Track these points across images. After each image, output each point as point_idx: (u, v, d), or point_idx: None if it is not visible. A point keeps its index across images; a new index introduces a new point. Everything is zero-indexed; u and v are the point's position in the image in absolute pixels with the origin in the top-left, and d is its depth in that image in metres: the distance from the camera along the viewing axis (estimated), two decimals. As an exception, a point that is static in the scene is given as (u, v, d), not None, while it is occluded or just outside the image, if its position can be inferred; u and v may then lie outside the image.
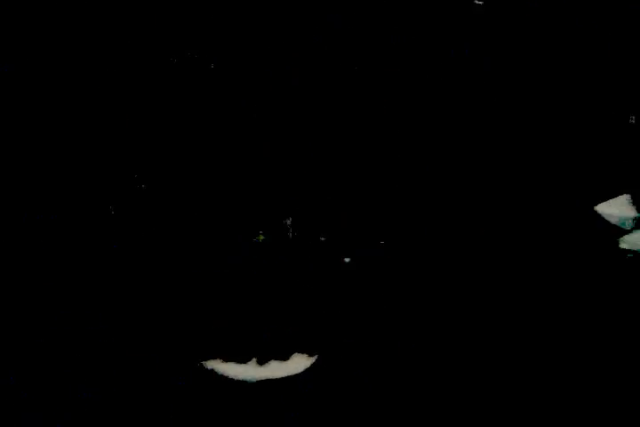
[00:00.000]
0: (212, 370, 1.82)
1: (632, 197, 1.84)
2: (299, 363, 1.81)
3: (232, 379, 1.81)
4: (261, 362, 1.84)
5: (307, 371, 1.82)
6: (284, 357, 1.84)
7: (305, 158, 2.15)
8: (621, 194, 1.87)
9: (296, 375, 1.81)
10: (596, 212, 1.87)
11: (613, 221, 1.81)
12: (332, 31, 2.22)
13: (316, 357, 1.84)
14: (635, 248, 1.77)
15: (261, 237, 1.98)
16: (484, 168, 2.10)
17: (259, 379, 1.79)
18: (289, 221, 2.06)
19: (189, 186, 2.05)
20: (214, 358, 1.84)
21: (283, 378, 1.80)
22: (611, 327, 1.79)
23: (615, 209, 1.82)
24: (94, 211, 1.98)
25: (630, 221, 1.81)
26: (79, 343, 1.85)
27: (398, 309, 1.94)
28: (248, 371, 1.80)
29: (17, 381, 1.80)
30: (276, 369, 1.80)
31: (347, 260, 2.01)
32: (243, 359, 1.84)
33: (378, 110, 2.23)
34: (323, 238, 2.04)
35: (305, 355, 1.85)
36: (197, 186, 2.06)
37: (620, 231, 1.83)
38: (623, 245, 1.77)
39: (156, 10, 2.12)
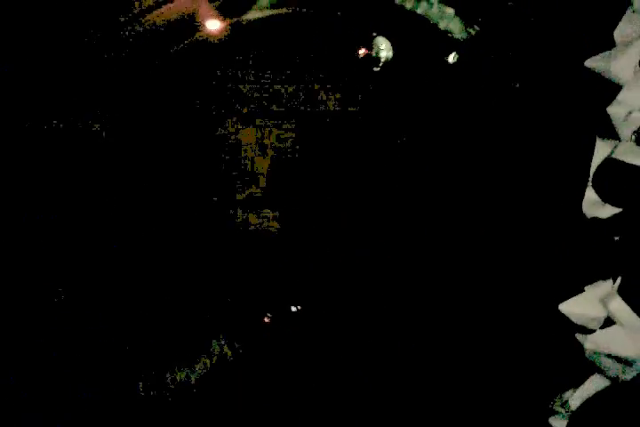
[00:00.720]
0: None
1: (597, 294, 1.66)
2: None
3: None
4: None
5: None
6: None
7: (302, 160, 2.17)
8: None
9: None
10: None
11: (578, 320, 1.66)
12: (331, 34, 2.24)
13: None
14: (598, 350, 1.62)
15: None
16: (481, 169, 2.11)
17: None
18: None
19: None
20: None
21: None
22: None
23: (580, 308, 1.66)
24: (94, 211, 1.98)
25: (595, 321, 1.64)
26: (79, 343, 1.86)
27: (398, 311, 1.97)
28: None
29: (17, 381, 1.80)
30: None
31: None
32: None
33: (376, 112, 2.25)
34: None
35: None
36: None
37: (585, 331, 1.66)
38: (587, 346, 1.63)
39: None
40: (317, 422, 1.86)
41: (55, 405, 1.79)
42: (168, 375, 1.80)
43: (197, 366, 1.82)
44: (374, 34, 2.35)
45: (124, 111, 2.06)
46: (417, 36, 2.35)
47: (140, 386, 1.82)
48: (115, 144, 2.05)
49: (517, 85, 2.09)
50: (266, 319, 1.95)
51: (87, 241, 1.96)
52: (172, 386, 1.79)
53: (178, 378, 1.81)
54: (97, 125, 2.03)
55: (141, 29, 2.07)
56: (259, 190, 2.17)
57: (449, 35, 2.35)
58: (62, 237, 1.93)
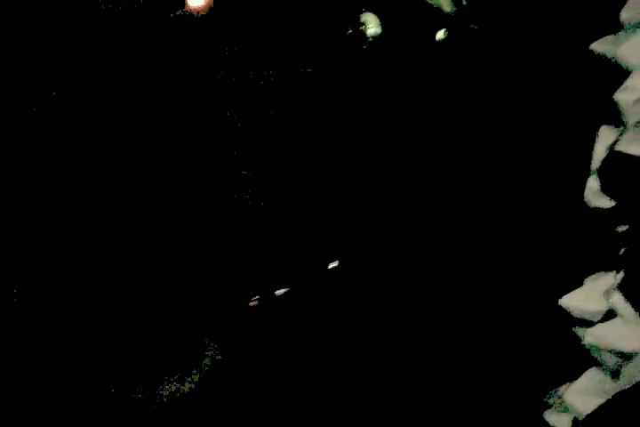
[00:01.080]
0: None
1: (599, 287, 1.61)
2: None
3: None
4: None
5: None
6: None
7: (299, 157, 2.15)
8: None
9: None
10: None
11: (578, 314, 1.61)
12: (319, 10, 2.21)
13: None
14: (598, 343, 1.57)
15: None
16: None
17: None
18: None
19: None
20: None
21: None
22: None
23: (580, 301, 1.61)
24: (94, 211, 1.96)
25: (596, 315, 1.59)
26: (79, 343, 1.85)
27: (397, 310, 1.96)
28: None
29: (17, 381, 1.79)
30: None
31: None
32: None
33: (370, 110, 2.22)
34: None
35: None
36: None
37: (585, 324, 1.61)
38: (587, 339, 1.58)
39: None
40: (314, 421, 1.85)
41: (55, 405, 1.77)
42: (160, 389, 1.79)
43: (190, 376, 1.81)
44: (362, 9, 2.32)
45: (117, 93, 2.02)
46: (405, 11, 2.32)
47: (134, 399, 1.81)
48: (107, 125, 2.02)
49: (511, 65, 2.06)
50: (252, 309, 1.94)
51: (84, 241, 1.94)
52: (165, 399, 1.78)
53: (170, 391, 1.79)
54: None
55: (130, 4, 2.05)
56: (250, 173, 2.15)
57: (438, 10, 2.32)
58: (60, 239, 1.91)
